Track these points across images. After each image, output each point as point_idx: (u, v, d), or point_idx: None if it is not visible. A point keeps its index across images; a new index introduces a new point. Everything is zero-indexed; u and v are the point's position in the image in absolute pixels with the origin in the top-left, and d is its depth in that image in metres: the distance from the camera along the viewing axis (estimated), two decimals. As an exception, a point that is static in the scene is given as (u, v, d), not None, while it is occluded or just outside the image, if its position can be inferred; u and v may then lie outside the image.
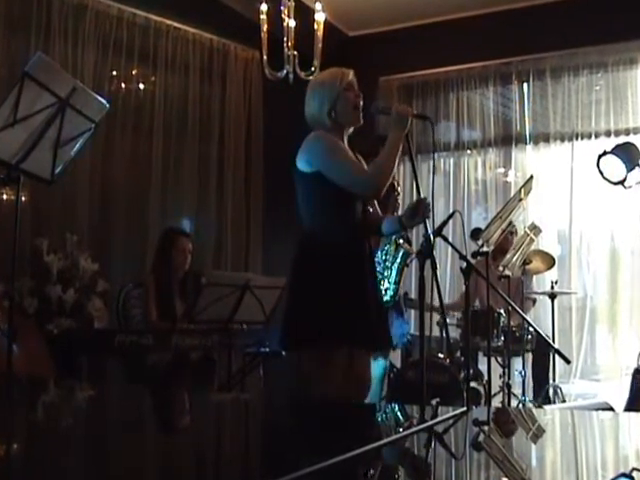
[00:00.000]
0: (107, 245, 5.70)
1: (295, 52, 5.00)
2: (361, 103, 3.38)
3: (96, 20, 5.61)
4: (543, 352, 5.73)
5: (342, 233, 3.36)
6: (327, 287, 3.28)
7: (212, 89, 6.50)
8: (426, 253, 3.13)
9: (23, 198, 4.73)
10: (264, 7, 4.93)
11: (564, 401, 5.58)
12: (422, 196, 3.28)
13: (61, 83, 3.14)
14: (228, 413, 2.92)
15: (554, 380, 5.64)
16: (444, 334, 5.16)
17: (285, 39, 4.99)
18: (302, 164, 3.34)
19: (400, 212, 4.50)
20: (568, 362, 4.21)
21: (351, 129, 3.46)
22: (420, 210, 3.25)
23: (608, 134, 6.55)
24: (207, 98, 6.46)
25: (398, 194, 4.62)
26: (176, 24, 6.15)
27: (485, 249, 4.58)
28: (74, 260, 5.08)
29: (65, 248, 5.12)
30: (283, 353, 4.62)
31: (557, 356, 4.67)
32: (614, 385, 6.21)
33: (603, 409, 3.59)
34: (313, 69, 5.00)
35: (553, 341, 5.52)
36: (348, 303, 3.28)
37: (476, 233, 4.85)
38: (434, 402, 3.63)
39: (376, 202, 3.58)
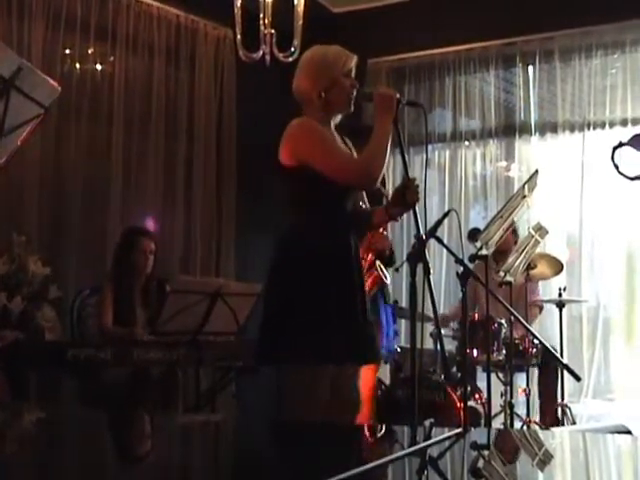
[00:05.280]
0: (60, 247, 5.66)
1: (272, 30, 4.99)
2: (355, 93, 3.40)
3: (45, -10, 5.57)
4: (550, 368, 5.74)
5: (329, 233, 3.36)
6: (310, 294, 3.28)
7: (179, 72, 6.48)
8: (418, 256, 3.13)
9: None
10: (238, -21, 4.92)
11: (574, 423, 5.59)
12: (410, 177, 3.30)
13: (4, 61, 3.10)
14: (196, 438, 2.89)
15: (563, 399, 5.64)
16: (438, 347, 5.16)
17: (261, 16, 4.97)
18: (286, 157, 3.36)
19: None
20: (578, 379, 4.22)
21: (339, 116, 3.47)
22: (407, 194, 3.26)
23: (624, 123, 6.57)
24: (173, 82, 6.44)
25: (380, 195, 4.59)
26: (138, -4, 6.13)
27: (484, 252, 4.58)
28: (21, 263, 5.04)
29: (11, 250, 5.08)
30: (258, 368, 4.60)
31: (566, 372, 4.69)
32: (631, 405, 6.22)
33: (619, 432, 3.58)
34: (293, 49, 4.99)
35: (561, 355, 5.52)
36: (333, 313, 3.28)
37: (474, 234, 4.86)
38: (427, 423, 3.63)
39: (365, 197, 3.58)
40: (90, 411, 3.55)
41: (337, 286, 3.33)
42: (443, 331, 5.42)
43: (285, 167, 3.36)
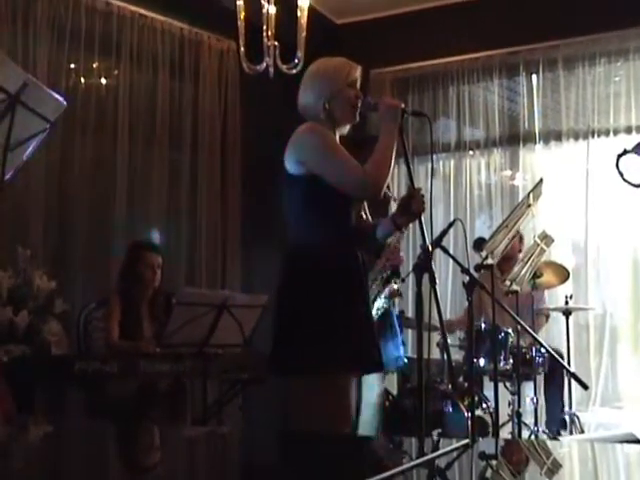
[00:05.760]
0: (65, 261, 5.65)
1: (276, 42, 5.00)
2: (359, 104, 3.40)
3: (49, 4, 5.55)
4: (557, 376, 5.73)
5: (336, 244, 3.36)
6: (316, 306, 3.29)
7: (183, 84, 6.49)
8: (424, 267, 3.13)
9: (-32, 208, 4.69)
10: (241, -8, 4.93)
11: (582, 432, 5.57)
12: (415, 186, 3.30)
13: (10, 77, 3.12)
14: (203, 450, 2.89)
15: (570, 408, 5.63)
16: (445, 357, 5.16)
17: (265, 28, 4.98)
18: (291, 165, 3.36)
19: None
20: (586, 388, 4.22)
21: (347, 127, 3.48)
22: (413, 204, 3.27)
23: (629, 131, 6.57)
24: (178, 94, 6.45)
25: (388, 200, 4.62)
26: (142, 11, 6.13)
27: (490, 261, 4.58)
28: (27, 277, 5.03)
29: (16, 264, 5.07)
30: (265, 379, 4.60)
31: (573, 381, 4.68)
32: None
33: (628, 441, 3.57)
34: (296, 61, 4.99)
35: (569, 364, 5.51)
36: (339, 325, 3.29)
37: (479, 243, 4.85)
38: (435, 433, 3.62)
39: (367, 208, 3.59)
40: (98, 424, 3.56)
41: (344, 296, 3.33)
42: (450, 340, 5.43)
43: (290, 175, 3.36)
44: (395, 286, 4.73)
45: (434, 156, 6.83)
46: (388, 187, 4.46)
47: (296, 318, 3.31)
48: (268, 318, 3.63)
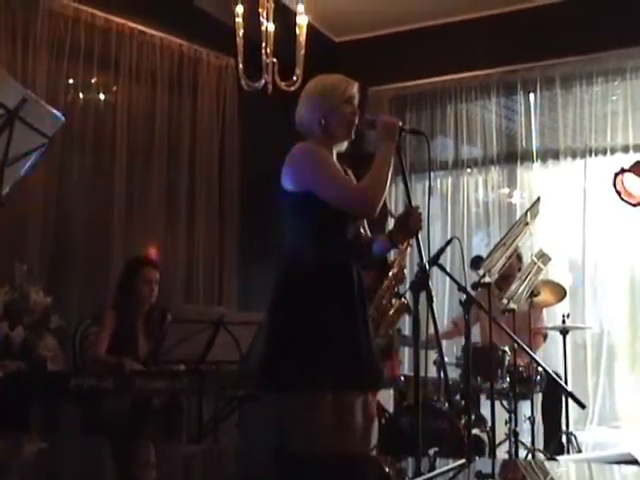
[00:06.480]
0: (62, 276, 5.64)
1: (274, 60, 5.02)
2: (356, 121, 3.41)
3: (49, 20, 5.57)
4: (554, 395, 5.71)
5: (331, 259, 3.36)
6: (313, 319, 3.28)
7: (182, 101, 6.50)
8: (421, 285, 3.13)
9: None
10: (240, 9, 4.95)
11: (580, 451, 5.56)
12: (413, 204, 3.30)
13: (9, 92, 3.12)
14: (199, 468, 2.88)
15: (568, 427, 5.61)
16: (442, 375, 5.14)
17: (263, 45, 5.00)
18: (287, 183, 3.37)
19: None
20: (583, 407, 4.20)
21: (344, 145, 3.49)
22: (410, 221, 3.27)
23: (626, 150, 6.59)
24: (176, 111, 6.46)
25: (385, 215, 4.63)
26: (141, 27, 6.15)
27: (487, 279, 4.57)
28: (23, 293, 5.02)
29: (13, 279, 5.06)
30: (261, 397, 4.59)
31: (570, 400, 4.67)
32: (637, 433, 6.18)
33: (626, 462, 3.56)
34: (295, 79, 5.01)
35: (566, 383, 5.50)
36: (336, 339, 3.28)
37: (477, 262, 4.85)
38: (431, 452, 3.60)
39: (367, 225, 3.59)
40: (93, 441, 3.54)
41: (341, 311, 3.33)
42: (446, 359, 5.41)
43: (287, 192, 3.37)
44: (405, 301, 4.70)
45: (432, 174, 6.87)
46: (385, 203, 4.47)
47: (292, 333, 3.30)
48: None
